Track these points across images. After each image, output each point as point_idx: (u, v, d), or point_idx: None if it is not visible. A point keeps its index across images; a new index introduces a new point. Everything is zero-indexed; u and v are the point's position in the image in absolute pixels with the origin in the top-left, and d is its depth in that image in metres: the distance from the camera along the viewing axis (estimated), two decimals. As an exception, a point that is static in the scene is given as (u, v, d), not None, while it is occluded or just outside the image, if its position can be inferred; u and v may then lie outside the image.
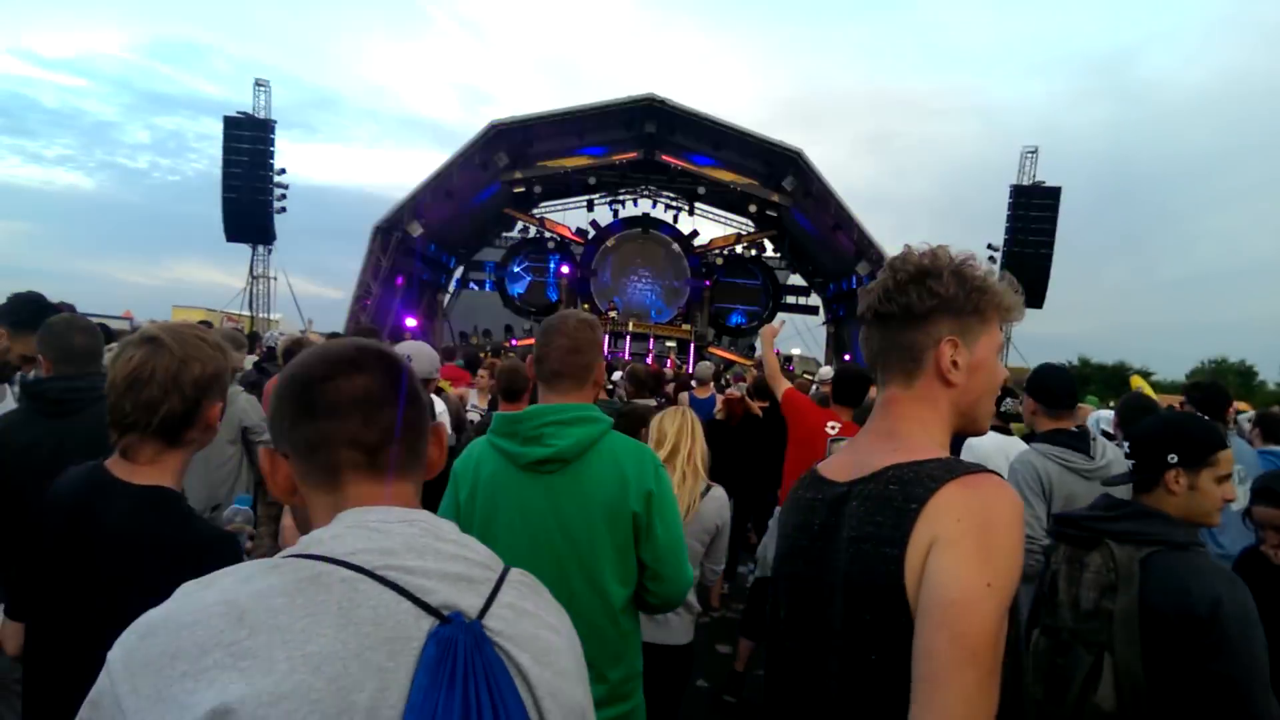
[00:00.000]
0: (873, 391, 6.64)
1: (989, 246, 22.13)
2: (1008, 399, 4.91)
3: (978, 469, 1.17)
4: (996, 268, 1.33)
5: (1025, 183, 21.81)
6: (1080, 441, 3.09)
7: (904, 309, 1.27)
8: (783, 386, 4.75)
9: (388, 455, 0.94)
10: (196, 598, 0.77)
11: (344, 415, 0.93)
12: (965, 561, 1.06)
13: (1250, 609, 1.70)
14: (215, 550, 1.52)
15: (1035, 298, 21.89)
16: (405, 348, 3.07)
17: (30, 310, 3.02)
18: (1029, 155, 22.03)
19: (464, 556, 0.89)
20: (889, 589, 1.11)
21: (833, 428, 4.51)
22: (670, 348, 23.53)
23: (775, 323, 5.81)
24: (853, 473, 1.27)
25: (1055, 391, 3.25)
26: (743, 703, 4.53)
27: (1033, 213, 21.44)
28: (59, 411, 2.31)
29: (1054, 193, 21.54)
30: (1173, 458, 1.94)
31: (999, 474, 1.18)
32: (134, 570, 1.47)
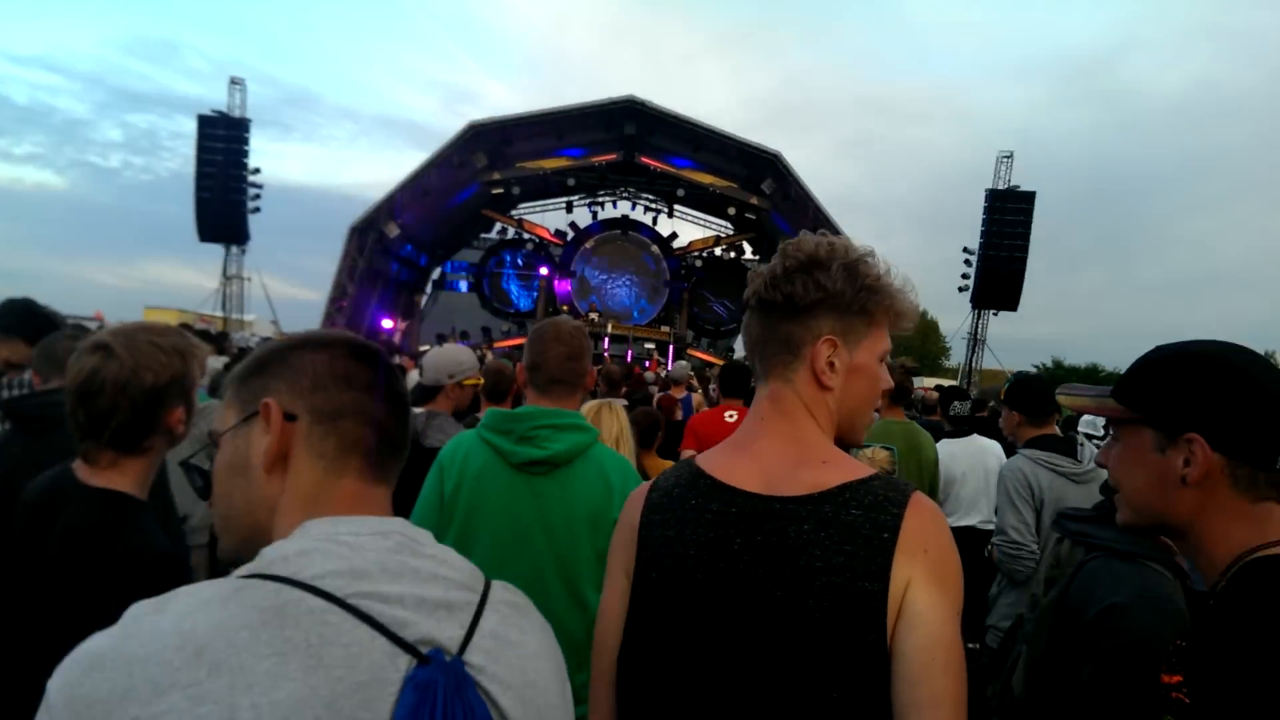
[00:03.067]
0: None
1: (965, 250, 22.30)
2: (955, 401, 4.96)
3: (911, 487, 1.11)
4: (895, 269, 1.22)
5: (1000, 187, 21.97)
6: (1067, 446, 3.11)
7: (787, 298, 1.18)
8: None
9: (393, 453, 0.93)
10: (148, 624, 0.68)
11: (377, 394, 0.92)
12: (945, 599, 1.03)
13: (1152, 633, 1.44)
14: (164, 564, 1.48)
15: (1010, 300, 22.13)
16: (435, 351, 3.24)
17: (18, 315, 2.96)
18: (1004, 160, 22.20)
19: (442, 576, 0.83)
20: (870, 625, 1.01)
21: (731, 416, 4.67)
22: (649, 349, 23.50)
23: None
24: (779, 486, 1.12)
25: (1037, 400, 3.26)
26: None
27: (1008, 217, 21.62)
28: (38, 429, 2.21)
29: (1028, 197, 21.69)
30: None
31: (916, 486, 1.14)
32: (82, 572, 1.44)
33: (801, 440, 1.17)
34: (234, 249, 22.66)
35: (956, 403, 5.05)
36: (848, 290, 1.16)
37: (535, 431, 2.00)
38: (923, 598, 1.02)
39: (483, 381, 3.40)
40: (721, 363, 22.67)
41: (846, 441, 1.24)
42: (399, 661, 0.73)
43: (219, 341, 7.01)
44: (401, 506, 2.93)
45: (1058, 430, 3.36)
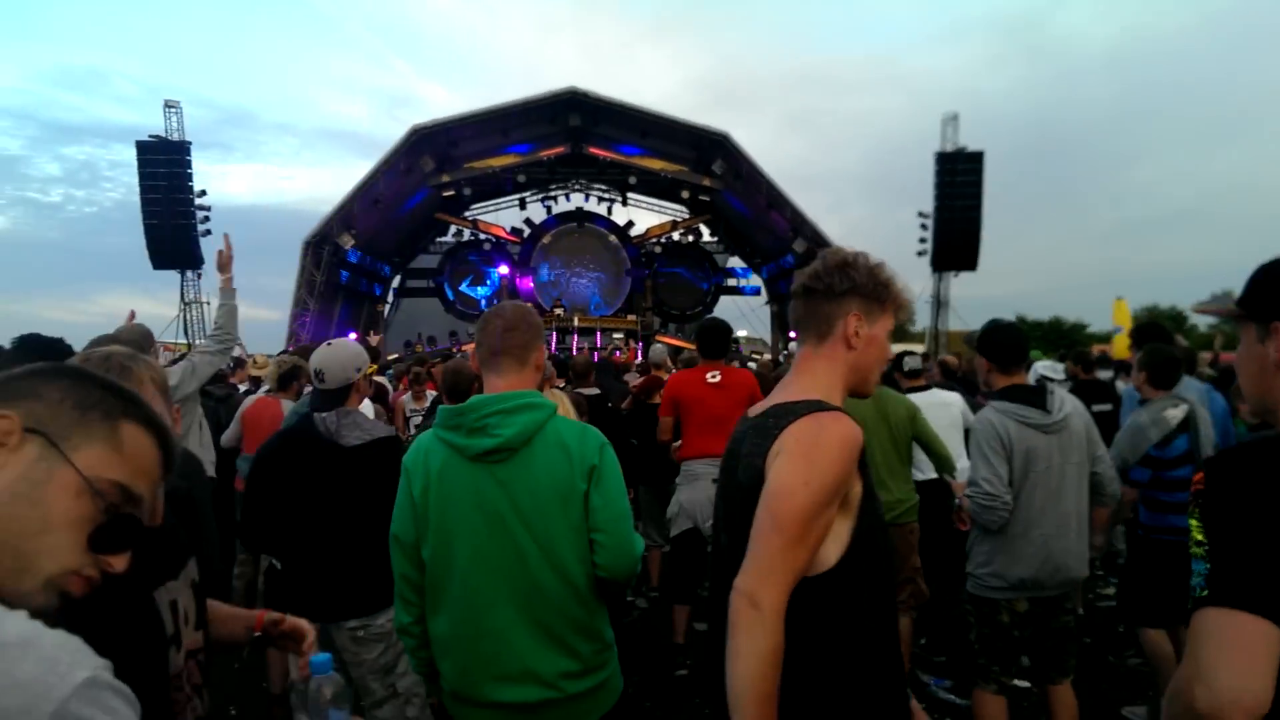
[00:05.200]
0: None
1: (920, 214, 22.54)
2: (906, 356, 5.15)
3: (831, 408, 1.58)
4: (899, 276, 1.74)
5: (948, 149, 22.20)
6: (1036, 396, 3.12)
7: (827, 287, 1.68)
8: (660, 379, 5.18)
9: None
10: None
11: None
12: (789, 465, 1.50)
13: None
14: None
15: (968, 261, 22.40)
16: (318, 355, 2.99)
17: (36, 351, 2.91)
18: (950, 122, 22.42)
19: None
20: (755, 489, 1.53)
21: (714, 376, 4.67)
22: (618, 339, 23.52)
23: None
24: (759, 410, 1.70)
25: (1007, 349, 3.27)
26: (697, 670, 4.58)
27: (959, 178, 21.83)
28: None
29: (977, 157, 21.95)
30: None
31: (843, 411, 1.58)
32: None
33: (792, 382, 1.71)
34: (189, 274, 22.26)
35: (907, 357, 5.20)
36: (869, 283, 1.67)
37: (484, 421, 2.00)
38: (775, 465, 1.52)
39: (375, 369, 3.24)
40: (689, 346, 22.72)
41: (860, 391, 1.73)
42: None
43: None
44: (323, 507, 2.84)
45: (1027, 379, 3.37)
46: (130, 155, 20.98)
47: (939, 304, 23.57)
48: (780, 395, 1.69)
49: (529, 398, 2.04)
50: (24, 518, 0.85)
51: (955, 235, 21.90)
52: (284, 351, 6.96)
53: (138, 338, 3.73)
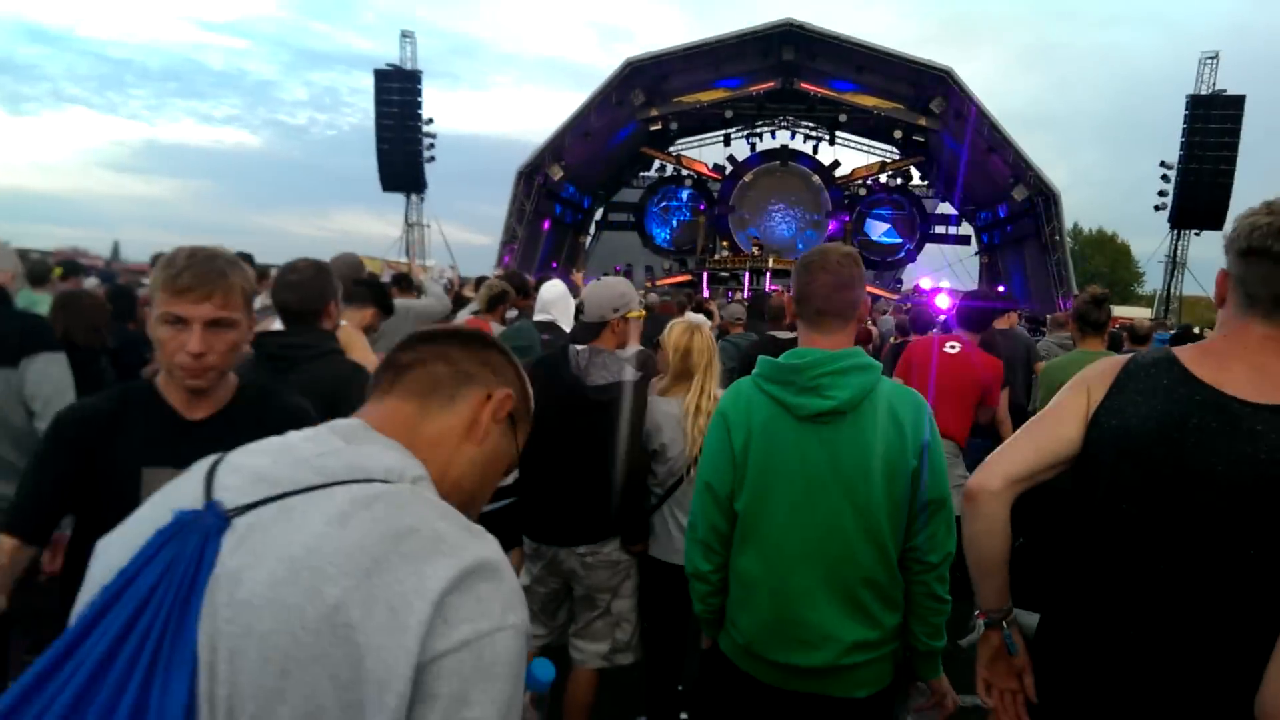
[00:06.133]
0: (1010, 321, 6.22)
1: (1162, 164, 20.39)
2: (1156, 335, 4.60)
3: None
4: None
5: (1204, 92, 19.86)
6: None
7: None
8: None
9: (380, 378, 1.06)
10: None
11: None
12: None
13: None
14: None
15: (1213, 219, 20.07)
16: (588, 289, 3.10)
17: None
18: (1208, 61, 20.01)
19: (306, 461, 0.88)
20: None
21: (952, 347, 4.35)
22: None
23: None
24: (1244, 391, 1.35)
25: None
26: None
27: (1212, 125, 19.57)
28: (276, 368, 2.40)
29: (1237, 102, 19.58)
30: None
31: None
32: None
33: (1266, 369, 1.37)
34: (414, 197, 23.99)
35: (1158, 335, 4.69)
36: None
37: (817, 381, 1.90)
38: None
39: (644, 315, 3.20)
40: (890, 295, 21.96)
41: None
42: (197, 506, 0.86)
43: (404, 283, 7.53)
44: (562, 437, 2.95)
45: None
46: (366, 83, 22.71)
47: (1174, 264, 21.38)
48: (1265, 385, 1.35)
49: (858, 357, 1.95)
50: (488, 477, 1.08)
51: (1201, 189, 19.66)
52: (481, 278, 7.30)
53: (347, 268, 3.99)
